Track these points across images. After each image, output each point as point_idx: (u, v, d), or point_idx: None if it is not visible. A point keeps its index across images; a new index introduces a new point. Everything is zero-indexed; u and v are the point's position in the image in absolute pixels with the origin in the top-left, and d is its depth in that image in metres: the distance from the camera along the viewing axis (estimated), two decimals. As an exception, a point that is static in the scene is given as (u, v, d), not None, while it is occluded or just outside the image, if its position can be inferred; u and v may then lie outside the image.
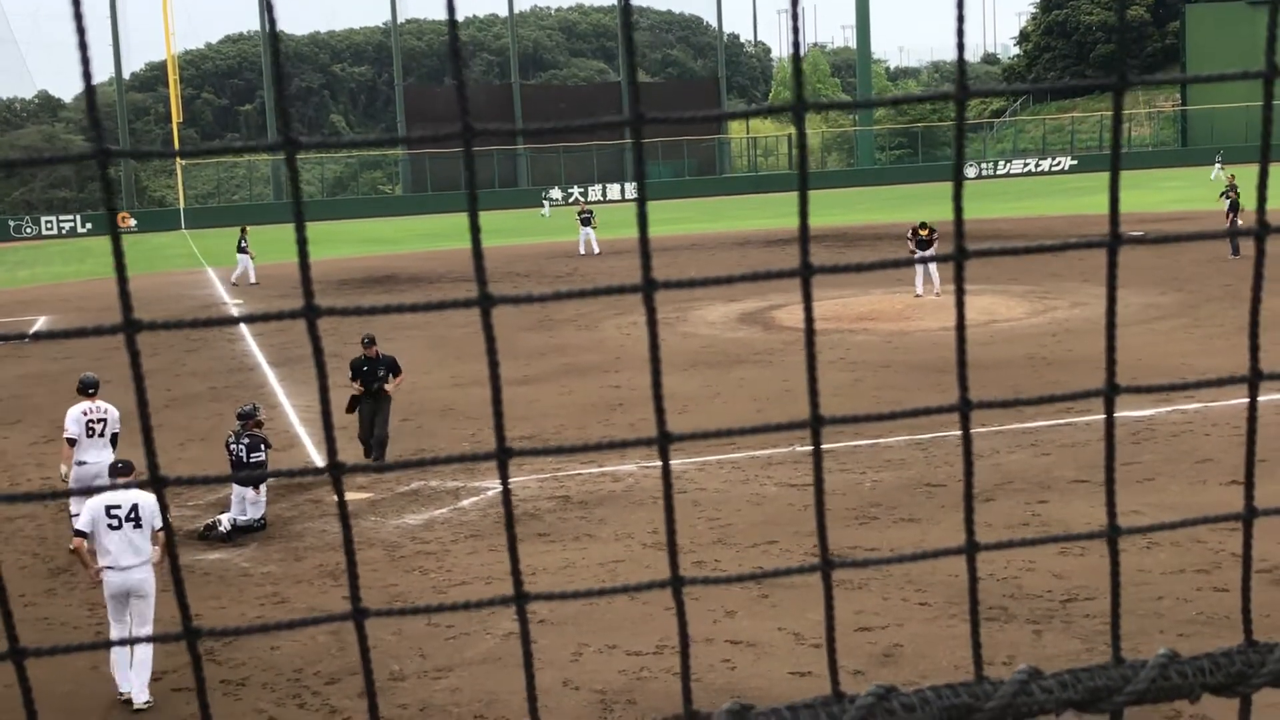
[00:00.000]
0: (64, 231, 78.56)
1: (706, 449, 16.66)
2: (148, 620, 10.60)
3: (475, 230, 1.25)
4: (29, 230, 78.41)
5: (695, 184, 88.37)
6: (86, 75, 1.16)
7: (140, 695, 10.25)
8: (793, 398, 19.93)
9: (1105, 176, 1.36)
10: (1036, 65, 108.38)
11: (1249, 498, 1.48)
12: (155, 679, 10.46)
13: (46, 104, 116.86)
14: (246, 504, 14.76)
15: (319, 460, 17.80)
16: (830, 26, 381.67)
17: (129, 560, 10.48)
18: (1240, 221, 36.23)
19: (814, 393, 1.36)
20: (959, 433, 1.39)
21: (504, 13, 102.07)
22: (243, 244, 42.45)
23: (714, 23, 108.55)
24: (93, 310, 36.94)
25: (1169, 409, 17.57)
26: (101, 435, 14.52)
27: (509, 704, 9.83)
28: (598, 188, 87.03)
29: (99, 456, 14.19)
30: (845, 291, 31.91)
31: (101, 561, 10.52)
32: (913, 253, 29.40)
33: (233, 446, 14.99)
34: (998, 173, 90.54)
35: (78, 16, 1.16)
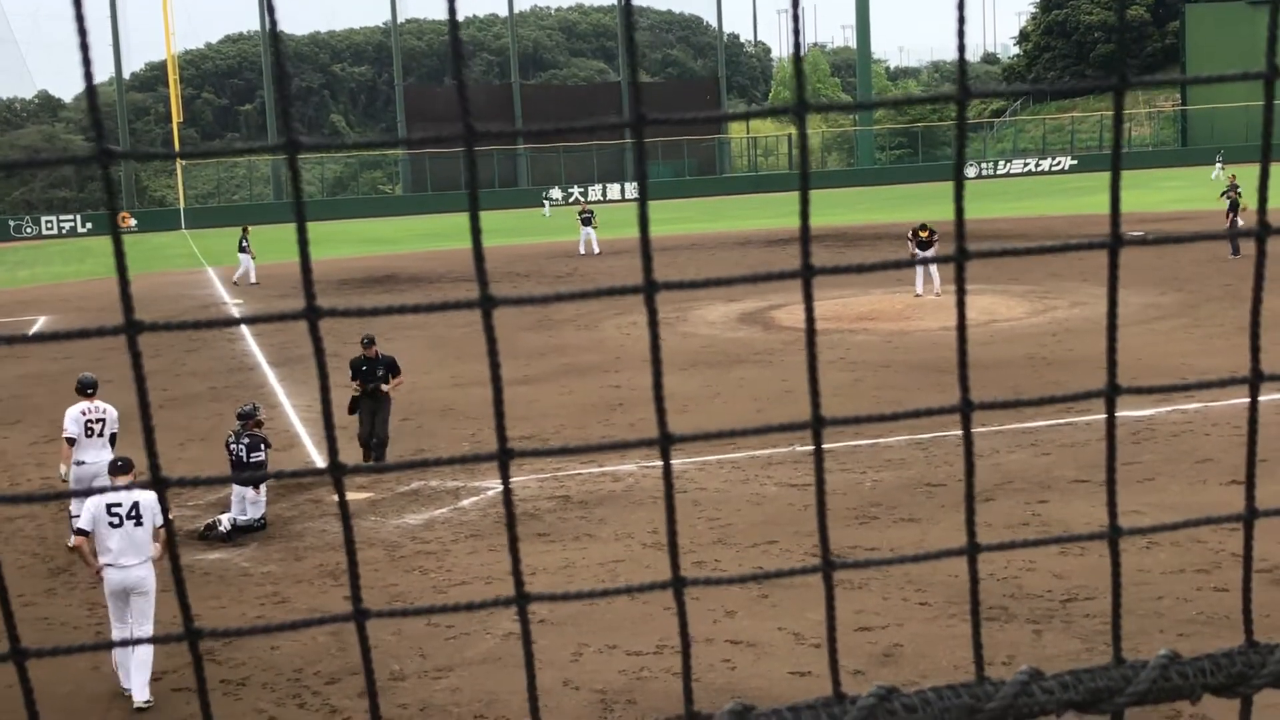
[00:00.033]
0: (64, 231, 78.58)
1: (706, 449, 16.66)
2: (148, 617, 10.61)
3: (476, 232, 1.25)
4: (29, 230, 78.41)
5: (695, 184, 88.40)
6: (88, 76, 1.16)
7: (140, 694, 10.25)
8: (793, 398, 19.93)
9: (1105, 176, 1.36)
10: (1036, 65, 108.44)
11: (1250, 498, 1.48)
12: (155, 679, 10.46)
13: (46, 104, 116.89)
14: (246, 504, 14.76)
15: (319, 460, 17.81)
16: (830, 26, 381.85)
17: (130, 558, 10.50)
18: (1240, 221, 36.23)
19: (815, 394, 1.36)
20: (959, 433, 1.39)
21: (504, 13, 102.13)
22: (244, 243, 42.48)
23: (714, 23, 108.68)
24: (93, 310, 36.93)
25: (1169, 409, 17.57)
26: (100, 435, 14.52)
27: (509, 704, 9.83)
28: (598, 188, 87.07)
29: (98, 456, 14.20)
30: (845, 291, 31.91)
31: (102, 559, 10.54)
32: (913, 255, 29.42)
33: (233, 446, 15.00)
34: (998, 173, 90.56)
35: (79, 17, 1.16)
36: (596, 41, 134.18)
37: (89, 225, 78.60)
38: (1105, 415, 1.43)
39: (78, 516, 11.78)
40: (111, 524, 10.52)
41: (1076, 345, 23.27)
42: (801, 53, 1.32)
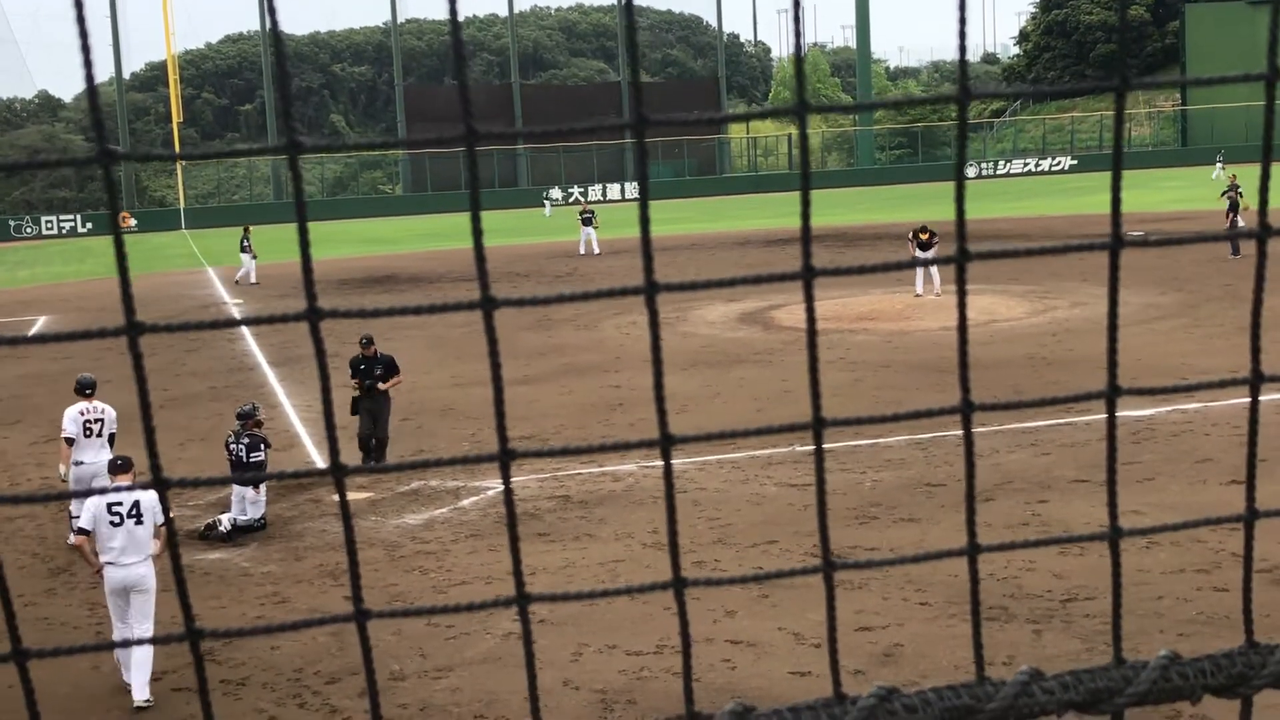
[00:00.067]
0: (64, 231, 78.57)
1: (706, 449, 16.66)
2: (148, 615, 10.62)
3: (478, 234, 1.26)
4: (29, 230, 78.40)
5: (695, 184, 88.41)
6: (89, 78, 1.17)
7: (140, 694, 10.25)
8: (793, 398, 19.93)
9: (1105, 176, 1.36)
10: (1036, 65, 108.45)
11: (1250, 498, 1.48)
12: (155, 679, 10.46)
13: (46, 104, 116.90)
14: (246, 504, 14.77)
15: (319, 460, 17.81)
16: (830, 26, 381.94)
17: (131, 557, 10.53)
18: (1241, 221, 36.23)
19: (816, 395, 1.36)
20: (959, 433, 1.39)
21: (504, 13, 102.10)
22: (245, 243, 42.51)
23: (714, 22, 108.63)
24: (92, 310, 36.93)
25: (1169, 409, 17.57)
26: (99, 435, 14.52)
27: (509, 704, 9.83)
28: (598, 187, 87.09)
29: (97, 457, 14.20)
30: (845, 291, 31.91)
31: (104, 558, 10.56)
32: (914, 257, 29.41)
33: (232, 446, 15.00)
34: (998, 172, 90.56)
35: (80, 19, 1.17)
36: (596, 41, 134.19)
37: (89, 225, 78.59)
38: (1105, 415, 1.43)
39: (78, 516, 11.78)
40: (113, 523, 10.54)
41: (1076, 345, 23.26)
42: (802, 53, 1.32)
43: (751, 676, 10.12)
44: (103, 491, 1.61)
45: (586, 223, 47.84)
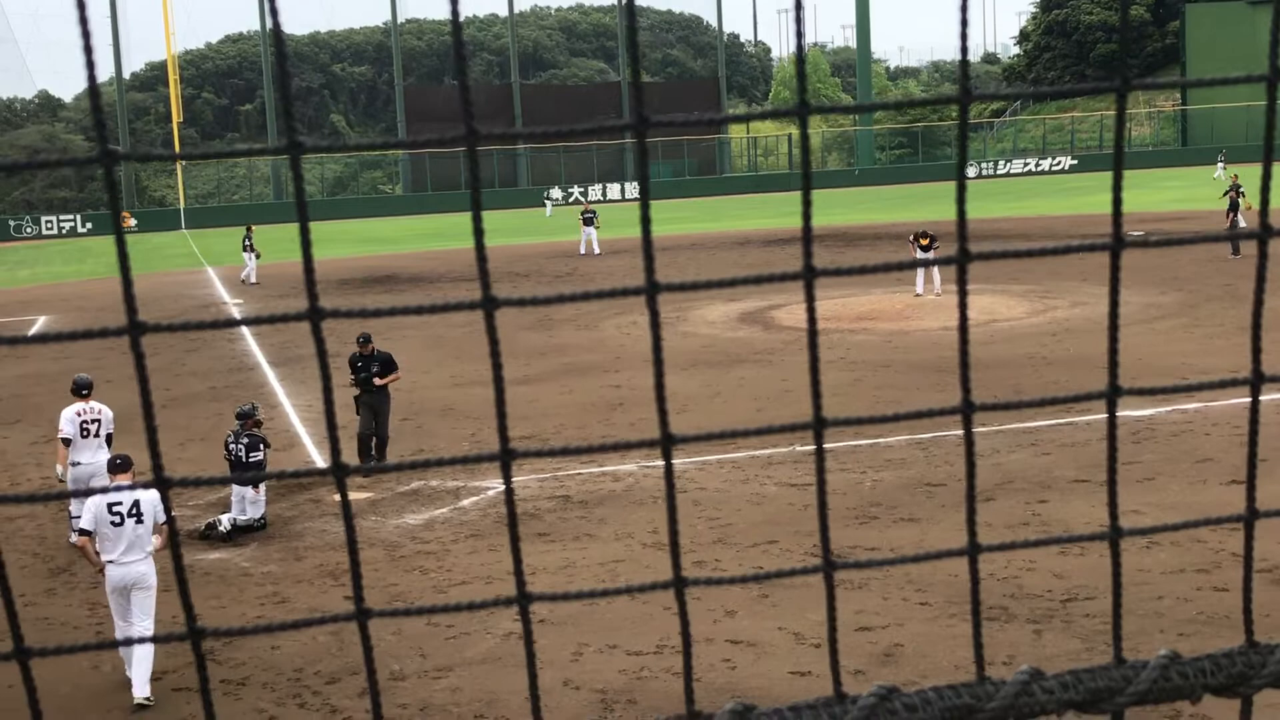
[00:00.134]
0: (64, 231, 78.56)
1: (707, 449, 16.66)
2: (149, 612, 10.64)
3: (479, 234, 1.26)
4: (29, 230, 78.39)
5: (695, 184, 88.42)
6: (91, 79, 1.17)
7: (140, 690, 10.26)
8: (793, 397, 19.93)
9: (1105, 176, 1.36)
10: (1036, 65, 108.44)
11: (1250, 498, 1.48)
12: (156, 679, 10.47)
13: (46, 104, 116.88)
14: (246, 503, 14.77)
15: (319, 460, 17.81)
16: (830, 26, 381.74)
17: (132, 555, 10.55)
18: (1242, 221, 36.23)
19: (817, 395, 1.36)
20: (959, 433, 1.40)
21: (504, 13, 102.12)
22: (247, 243, 42.53)
23: (714, 22, 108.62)
24: (92, 310, 36.93)
25: (1169, 409, 17.57)
26: (96, 436, 14.52)
27: (509, 704, 9.83)
28: (598, 187, 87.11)
29: (94, 457, 14.21)
30: (845, 291, 31.91)
31: (105, 557, 10.57)
32: (915, 257, 29.42)
33: (232, 446, 15.00)
34: (998, 172, 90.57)
35: (83, 20, 1.17)
36: (596, 41, 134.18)
37: (89, 225, 78.59)
38: (1106, 415, 1.44)
39: (78, 516, 11.78)
40: (114, 523, 10.55)
41: (1076, 345, 23.27)
42: (803, 54, 1.32)
43: (751, 676, 10.12)
44: (103, 491, 1.61)
45: (588, 223, 47.85)
